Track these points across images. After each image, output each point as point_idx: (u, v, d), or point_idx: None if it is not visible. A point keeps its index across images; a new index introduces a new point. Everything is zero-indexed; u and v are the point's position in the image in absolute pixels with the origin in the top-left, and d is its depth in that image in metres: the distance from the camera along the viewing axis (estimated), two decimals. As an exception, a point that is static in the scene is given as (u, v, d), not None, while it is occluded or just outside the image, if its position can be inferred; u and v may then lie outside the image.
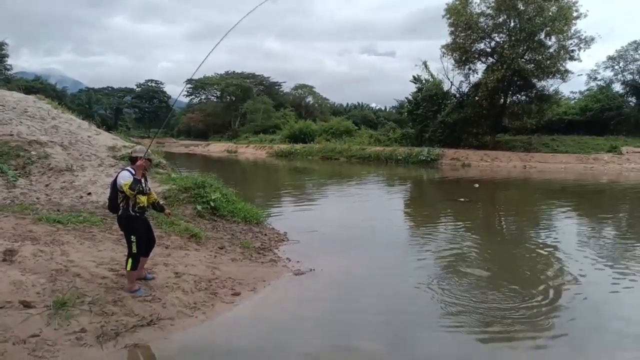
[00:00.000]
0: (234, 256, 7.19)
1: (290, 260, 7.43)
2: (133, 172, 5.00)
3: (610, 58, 41.59)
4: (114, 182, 5.05)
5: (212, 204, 9.34)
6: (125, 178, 4.92)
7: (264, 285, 6.12)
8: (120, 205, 5.02)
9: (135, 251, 4.99)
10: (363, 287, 6.46)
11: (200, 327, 4.73)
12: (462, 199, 15.40)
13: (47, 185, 8.90)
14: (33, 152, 9.70)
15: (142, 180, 5.08)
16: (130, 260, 4.97)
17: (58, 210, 7.57)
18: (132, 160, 5.20)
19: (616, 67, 41.72)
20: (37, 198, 8.22)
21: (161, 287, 5.34)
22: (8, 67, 60.84)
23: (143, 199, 5.11)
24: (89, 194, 8.84)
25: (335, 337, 4.82)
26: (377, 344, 4.72)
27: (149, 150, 5.44)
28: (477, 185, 20.01)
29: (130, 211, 5.03)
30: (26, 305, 4.25)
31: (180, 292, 5.35)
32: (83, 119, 14.09)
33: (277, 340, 4.68)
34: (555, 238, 9.82)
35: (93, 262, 5.46)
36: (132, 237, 4.99)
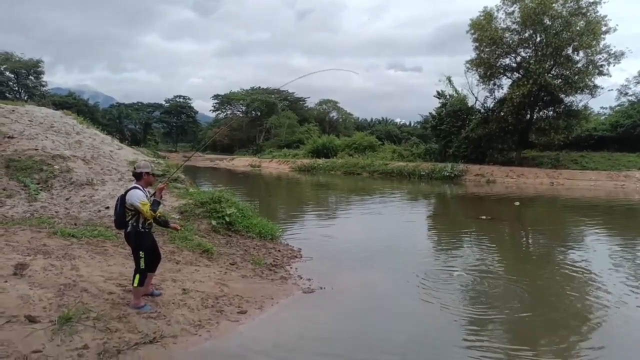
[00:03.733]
0: (244, 273, 7.13)
1: (301, 278, 7.34)
2: (142, 190, 5.03)
3: (642, 73, 40.45)
4: (122, 199, 5.04)
5: (227, 219, 9.35)
6: (141, 198, 4.92)
7: (271, 303, 6.03)
8: (130, 222, 5.03)
9: (143, 267, 5.00)
10: (373, 308, 6.27)
11: (203, 346, 4.66)
12: (483, 217, 14.99)
13: (67, 199, 9.09)
14: (56, 166, 9.96)
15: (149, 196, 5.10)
16: (137, 276, 4.98)
17: (75, 224, 7.70)
18: (137, 176, 5.19)
19: (648, 82, 40.55)
20: (56, 212, 8.39)
21: (167, 303, 5.32)
22: (44, 83, 64.19)
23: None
24: (107, 207, 8.97)
25: (340, 360, 4.67)
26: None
27: (152, 165, 5.47)
28: (517, 203, 19.32)
29: (140, 228, 5.05)
30: (31, 320, 4.28)
31: (186, 309, 5.31)
32: (113, 133, 14.48)
33: (279, 362, 4.58)
34: (587, 259, 9.36)
35: (102, 277, 5.49)
36: (141, 253, 5.01)
